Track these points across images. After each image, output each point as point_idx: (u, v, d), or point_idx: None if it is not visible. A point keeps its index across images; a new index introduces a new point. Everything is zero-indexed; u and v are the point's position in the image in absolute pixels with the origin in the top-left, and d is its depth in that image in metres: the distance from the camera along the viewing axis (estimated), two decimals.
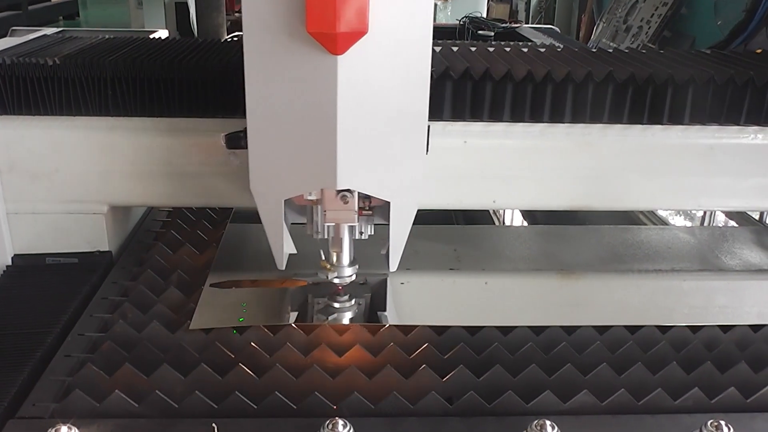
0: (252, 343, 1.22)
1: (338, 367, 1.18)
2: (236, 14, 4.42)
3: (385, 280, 1.48)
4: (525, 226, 2.15)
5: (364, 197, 1.19)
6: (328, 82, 1.05)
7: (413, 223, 1.24)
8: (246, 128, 1.14)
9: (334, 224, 1.23)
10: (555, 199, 1.53)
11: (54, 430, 0.98)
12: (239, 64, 1.35)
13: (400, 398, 1.10)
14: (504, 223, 2.46)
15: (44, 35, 1.85)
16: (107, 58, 1.44)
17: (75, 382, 1.12)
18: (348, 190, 1.15)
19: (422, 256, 1.64)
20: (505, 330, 1.29)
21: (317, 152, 1.10)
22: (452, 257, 1.67)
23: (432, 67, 1.11)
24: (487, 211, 2.26)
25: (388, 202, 1.18)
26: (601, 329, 1.30)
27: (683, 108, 1.47)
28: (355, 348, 1.22)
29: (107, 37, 1.76)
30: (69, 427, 0.99)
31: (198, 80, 1.44)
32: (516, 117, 1.46)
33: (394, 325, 1.29)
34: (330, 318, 1.34)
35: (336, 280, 1.30)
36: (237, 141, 1.20)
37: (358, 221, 1.21)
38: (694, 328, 1.31)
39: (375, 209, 1.23)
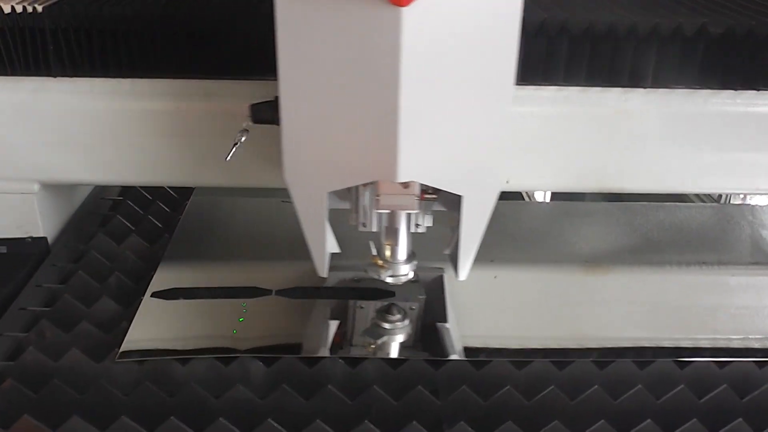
0: (193, 383, 0.95)
1: (305, 418, 0.91)
2: None
3: (441, 277, 1.20)
4: (541, 203, 1.84)
5: None
6: (388, 43, 0.77)
7: None
8: (278, 98, 0.87)
9: (388, 212, 0.98)
10: (579, 179, 1.23)
11: None
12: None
13: None
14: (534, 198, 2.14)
15: None
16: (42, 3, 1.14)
17: None
18: None
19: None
20: (519, 364, 1.01)
21: (372, 135, 0.83)
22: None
23: None
24: None
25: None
26: (642, 364, 1.02)
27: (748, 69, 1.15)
28: (325, 390, 0.95)
29: None
30: None
31: (144, 33, 1.13)
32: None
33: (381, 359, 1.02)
34: (379, 342, 1.07)
35: (389, 280, 1.04)
36: (267, 113, 0.94)
37: (418, 207, 0.95)
38: (761, 363, 1.03)
39: (442, 194, 0.96)
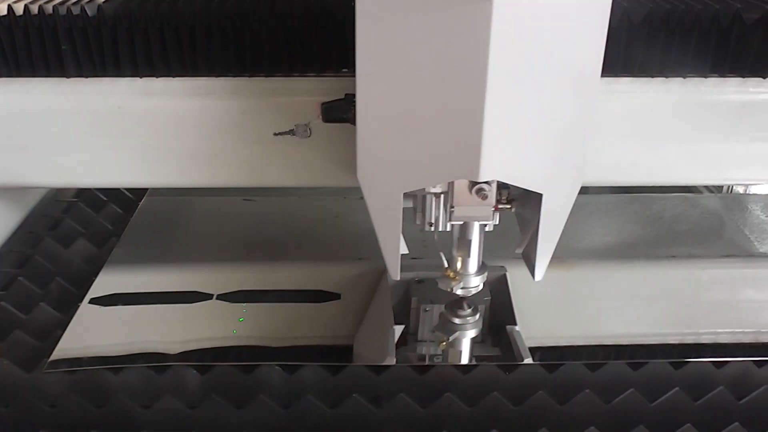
0: (120, 394, 0.91)
1: (233, 428, 0.87)
2: None
3: (505, 276, 1.16)
4: None
5: (502, 186, 0.90)
6: (476, 36, 0.73)
7: None
8: (349, 95, 0.87)
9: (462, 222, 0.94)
10: None
11: None
12: None
13: None
14: None
15: None
16: None
17: None
18: (488, 182, 0.86)
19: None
20: (464, 369, 0.97)
21: (454, 132, 0.79)
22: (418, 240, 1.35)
23: None
24: None
25: (535, 193, 0.87)
26: (593, 366, 0.98)
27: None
28: (258, 399, 0.91)
29: None
30: None
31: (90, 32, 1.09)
32: None
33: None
34: (452, 338, 1.04)
35: (460, 292, 1.01)
36: (339, 112, 0.92)
37: (492, 218, 0.93)
38: (719, 364, 0.99)
39: (516, 201, 0.93)
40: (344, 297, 1.11)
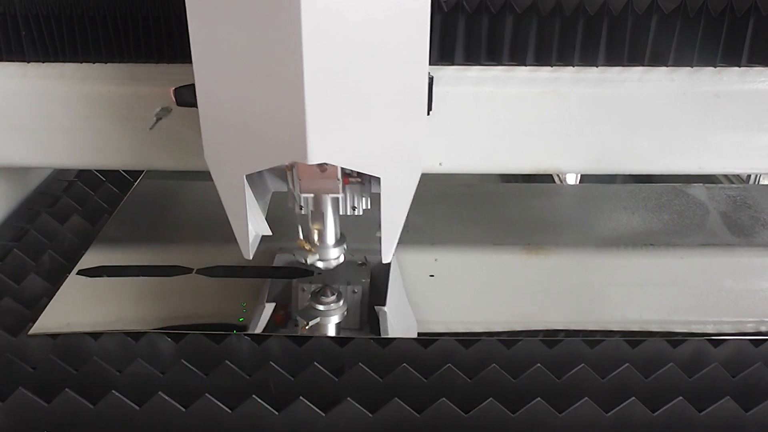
0: (96, 357, 0.97)
1: (197, 391, 0.92)
2: None
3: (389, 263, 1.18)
4: (493, 185, 1.81)
5: None
6: (289, 18, 0.76)
7: None
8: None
9: (312, 195, 0.98)
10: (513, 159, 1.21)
11: None
12: None
13: None
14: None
15: None
16: None
17: None
18: None
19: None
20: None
21: (282, 116, 0.82)
22: None
23: None
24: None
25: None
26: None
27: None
28: (224, 365, 0.96)
29: None
30: None
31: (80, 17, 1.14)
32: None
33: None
34: (311, 323, 1.07)
35: (319, 264, 1.04)
36: (187, 96, 0.93)
37: (343, 191, 0.95)
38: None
39: (367, 177, 0.95)
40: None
